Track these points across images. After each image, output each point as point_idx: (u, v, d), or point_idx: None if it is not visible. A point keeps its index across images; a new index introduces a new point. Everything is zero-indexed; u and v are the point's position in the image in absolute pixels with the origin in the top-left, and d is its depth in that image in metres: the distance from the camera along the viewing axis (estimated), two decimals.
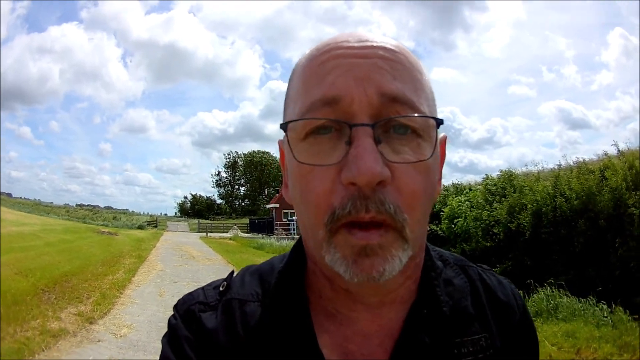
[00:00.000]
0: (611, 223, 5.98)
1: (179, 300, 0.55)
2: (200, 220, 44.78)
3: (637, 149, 6.98)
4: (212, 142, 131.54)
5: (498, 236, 8.05)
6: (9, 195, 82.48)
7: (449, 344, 0.46)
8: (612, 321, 4.18)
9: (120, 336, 5.00)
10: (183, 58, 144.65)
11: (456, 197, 10.65)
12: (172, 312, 0.54)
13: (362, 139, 0.38)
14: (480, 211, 8.92)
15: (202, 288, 0.56)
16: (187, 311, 0.52)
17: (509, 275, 6.53)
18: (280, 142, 0.50)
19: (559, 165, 8.03)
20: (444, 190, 11.08)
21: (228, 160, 70.56)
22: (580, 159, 7.58)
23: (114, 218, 43.48)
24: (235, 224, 35.48)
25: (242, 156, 70.00)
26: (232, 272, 0.57)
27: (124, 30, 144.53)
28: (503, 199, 8.45)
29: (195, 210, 71.39)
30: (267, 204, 44.40)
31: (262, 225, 30.07)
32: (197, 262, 12.77)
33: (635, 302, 4.70)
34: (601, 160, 7.15)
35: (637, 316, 4.24)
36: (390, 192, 0.39)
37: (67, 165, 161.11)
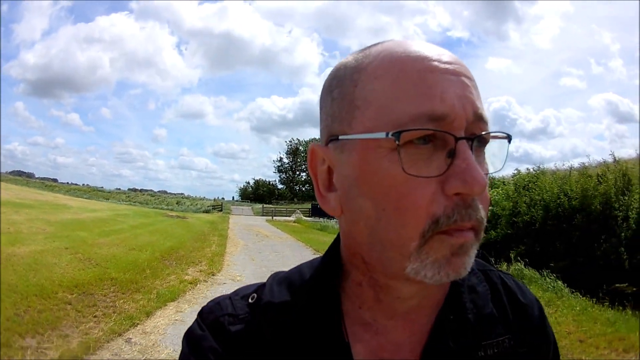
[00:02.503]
0: (599, 222, 7.26)
1: (204, 309, 0.53)
2: (264, 205, 45.32)
3: (637, 157, 8.11)
4: (271, 128, 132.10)
5: (518, 225, 9.23)
6: (55, 180, 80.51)
7: (474, 347, 0.47)
8: (554, 288, 5.89)
9: (237, 280, 6.87)
10: (239, 46, 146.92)
11: (492, 189, 12.01)
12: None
13: (467, 151, 0.39)
14: (508, 202, 10.09)
15: (230, 297, 0.54)
16: (215, 322, 0.51)
17: (520, 257, 8.14)
18: (316, 147, 0.47)
19: (571, 167, 9.32)
20: None
21: (290, 146, 72.17)
22: (586, 163, 8.89)
23: (178, 203, 43.15)
24: (298, 209, 36.54)
25: (304, 143, 71.02)
26: (264, 284, 0.55)
27: (177, 19, 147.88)
28: (527, 192, 9.60)
29: (257, 194, 72.22)
30: None
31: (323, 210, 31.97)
32: (271, 239, 14.26)
33: (604, 288, 6.15)
34: (601, 165, 8.45)
35: (581, 291, 5.80)
36: (480, 201, 0.40)
37: (118, 150, 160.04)
